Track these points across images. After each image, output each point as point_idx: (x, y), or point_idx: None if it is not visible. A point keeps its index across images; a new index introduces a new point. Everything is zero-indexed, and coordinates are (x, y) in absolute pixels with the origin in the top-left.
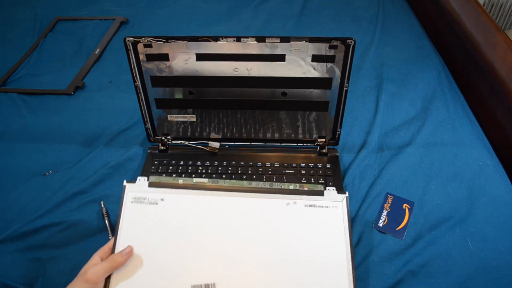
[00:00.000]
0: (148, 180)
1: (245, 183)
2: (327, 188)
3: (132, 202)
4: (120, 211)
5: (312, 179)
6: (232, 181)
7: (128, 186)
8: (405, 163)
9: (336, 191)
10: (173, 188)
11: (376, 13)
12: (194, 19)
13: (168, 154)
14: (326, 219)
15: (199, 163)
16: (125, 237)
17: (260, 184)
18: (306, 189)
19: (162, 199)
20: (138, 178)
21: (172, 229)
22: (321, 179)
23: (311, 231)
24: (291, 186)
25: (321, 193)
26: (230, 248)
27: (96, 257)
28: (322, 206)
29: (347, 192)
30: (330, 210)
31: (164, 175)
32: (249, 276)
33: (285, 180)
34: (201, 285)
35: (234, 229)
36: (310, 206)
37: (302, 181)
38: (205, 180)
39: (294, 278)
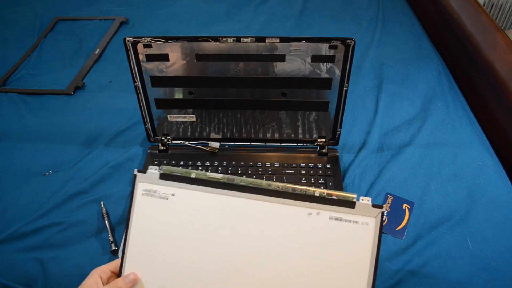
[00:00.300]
0: (159, 170)
1: (264, 183)
2: (361, 198)
3: (142, 194)
4: (131, 203)
5: (312, 179)
6: (249, 179)
7: (139, 176)
8: (405, 163)
9: (371, 203)
10: (185, 182)
11: (376, 13)
12: (194, 19)
13: (168, 154)
14: (352, 238)
15: (199, 163)
16: (135, 232)
17: (281, 186)
18: (334, 197)
19: (173, 194)
20: (149, 167)
21: (181, 230)
22: (321, 179)
23: (332, 250)
24: (317, 193)
25: (352, 205)
26: (240, 258)
27: (95, 275)
28: (351, 221)
29: (384, 207)
30: (359, 226)
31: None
32: None
33: (285, 181)
34: None
35: (246, 237)
36: (336, 219)
37: (334, 191)
38: (220, 175)
39: None
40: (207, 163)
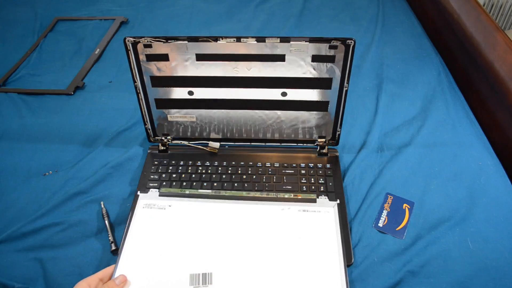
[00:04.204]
0: (159, 191)
1: (244, 193)
2: (320, 196)
3: (143, 207)
4: (131, 216)
5: (312, 179)
6: (233, 191)
7: (141, 196)
8: (405, 163)
9: (327, 199)
10: (180, 196)
11: (376, 13)
12: (194, 19)
13: (168, 154)
14: (318, 222)
15: (199, 163)
16: (134, 234)
17: (258, 194)
18: (299, 197)
19: (169, 205)
20: (150, 190)
21: (177, 228)
22: (321, 179)
23: (305, 232)
24: (286, 195)
25: (313, 201)
26: (228, 246)
27: (83, 284)
28: (315, 211)
29: (338, 200)
30: (322, 214)
31: (165, 183)
32: (244, 270)
33: (285, 181)
34: (198, 274)
35: (232, 230)
36: (304, 211)
37: (302, 189)
38: (209, 191)
39: (288, 275)
40: (207, 163)
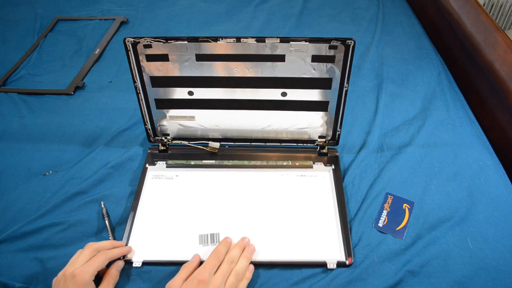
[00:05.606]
0: (166, 163)
1: (245, 162)
2: (316, 163)
3: (152, 178)
4: (141, 187)
5: None
6: (235, 161)
7: (150, 168)
8: (405, 163)
9: (323, 165)
10: (187, 167)
11: (376, 13)
12: (194, 19)
13: (168, 154)
14: (315, 185)
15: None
16: (145, 202)
17: (258, 162)
18: (297, 164)
19: (177, 175)
20: (158, 162)
21: (185, 194)
22: None
23: (303, 194)
24: (284, 163)
25: (310, 167)
26: (232, 209)
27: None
28: (312, 176)
29: (333, 165)
30: (319, 178)
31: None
32: (248, 229)
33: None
34: (207, 234)
35: (236, 195)
36: (302, 176)
37: (297, 161)
38: (213, 161)
39: (287, 232)
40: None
